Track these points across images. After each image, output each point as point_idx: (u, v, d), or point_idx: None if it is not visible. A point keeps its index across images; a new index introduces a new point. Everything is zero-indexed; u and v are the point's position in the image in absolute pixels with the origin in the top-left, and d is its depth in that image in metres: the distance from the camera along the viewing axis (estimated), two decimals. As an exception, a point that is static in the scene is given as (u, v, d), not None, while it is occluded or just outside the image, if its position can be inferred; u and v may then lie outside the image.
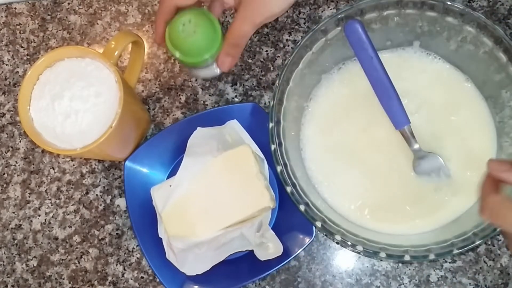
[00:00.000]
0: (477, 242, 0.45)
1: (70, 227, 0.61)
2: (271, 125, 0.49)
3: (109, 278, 0.59)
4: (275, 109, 0.50)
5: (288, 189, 0.48)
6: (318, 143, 0.54)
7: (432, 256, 0.45)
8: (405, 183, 0.52)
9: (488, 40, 0.49)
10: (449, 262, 0.55)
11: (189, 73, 0.63)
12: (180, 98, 0.63)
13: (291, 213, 0.56)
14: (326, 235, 0.46)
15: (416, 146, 0.51)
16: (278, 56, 0.62)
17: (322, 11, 0.62)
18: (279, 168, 0.48)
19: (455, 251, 0.45)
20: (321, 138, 0.55)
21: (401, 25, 0.52)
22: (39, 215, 0.62)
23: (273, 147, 0.49)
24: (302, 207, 0.47)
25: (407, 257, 0.45)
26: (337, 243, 0.46)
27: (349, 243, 0.46)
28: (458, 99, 0.54)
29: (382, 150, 0.53)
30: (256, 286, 0.57)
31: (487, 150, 0.52)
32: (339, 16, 0.51)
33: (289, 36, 0.62)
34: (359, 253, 0.48)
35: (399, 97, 0.50)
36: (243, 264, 0.56)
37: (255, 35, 0.63)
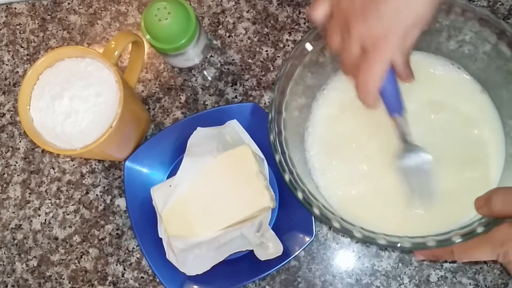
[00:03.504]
0: (479, 231, 0.44)
1: (70, 227, 0.61)
2: (270, 116, 0.49)
3: (109, 278, 0.59)
4: (276, 102, 0.50)
5: (286, 176, 0.47)
6: (324, 131, 0.54)
7: (431, 243, 0.43)
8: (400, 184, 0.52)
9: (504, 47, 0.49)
10: (449, 262, 0.55)
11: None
12: (180, 98, 0.63)
13: (291, 213, 0.56)
14: (323, 221, 0.46)
15: (408, 138, 0.48)
16: (278, 56, 0.62)
17: (322, 11, 0.62)
18: (277, 157, 0.48)
19: (456, 237, 0.44)
20: (327, 127, 0.54)
21: None
22: (39, 215, 0.62)
23: (271, 136, 0.48)
24: (300, 194, 0.47)
25: (406, 244, 0.44)
26: (335, 231, 0.45)
27: (347, 229, 0.45)
28: (474, 113, 0.53)
29: (384, 149, 0.53)
30: (256, 286, 0.57)
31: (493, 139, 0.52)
32: None
33: (289, 36, 0.62)
34: (358, 240, 0.46)
35: (397, 83, 0.47)
36: (243, 264, 0.56)
37: (255, 35, 0.63)
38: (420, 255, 0.44)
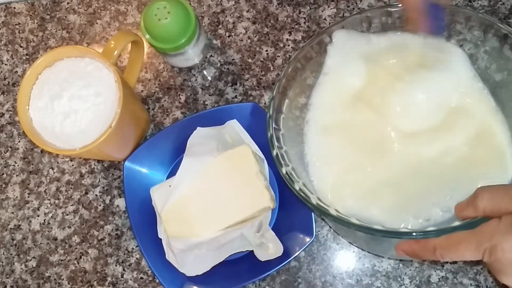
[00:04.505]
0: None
1: (69, 227, 0.61)
2: (269, 114, 0.49)
3: (109, 279, 0.59)
4: (276, 101, 0.50)
5: (283, 169, 0.47)
6: (324, 126, 0.54)
7: (431, 228, 0.42)
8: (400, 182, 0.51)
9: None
10: (450, 263, 0.55)
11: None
12: (180, 98, 0.63)
13: (291, 213, 0.56)
14: (320, 211, 0.46)
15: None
16: (278, 56, 0.62)
17: (322, 11, 0.62)
18: (274, 152, 0.48)
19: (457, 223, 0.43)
20: (328, 122, 0.54)
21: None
22: (38, 216, 0.62)
23: (269, 133, 0.49)
24: (297, 186, 0.46)
25: (404, 229, 0.43)
26: (333, 218, 0.45)
27: (344, 216, 0.45)
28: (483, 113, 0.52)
29: (381, 141, 0.53)
30: (256, 286, 0.57)
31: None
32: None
33: (289, 36, 0.62)
34: (355, 226, 0.46)
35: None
36: (243, 264, 0.56)
37: (255, 35, 0.63)
38: (401, 251, 0.43)
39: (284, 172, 0.47)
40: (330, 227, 0.57)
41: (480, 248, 0.37)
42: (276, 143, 0.49)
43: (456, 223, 0.41)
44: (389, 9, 0.50)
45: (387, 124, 0.52)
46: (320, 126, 0.54)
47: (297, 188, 0.46)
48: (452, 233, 0.39)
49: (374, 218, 0.50)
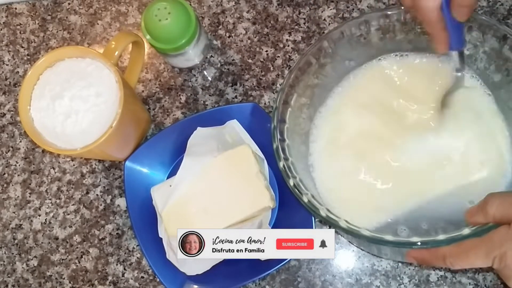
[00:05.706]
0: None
1: (70, 227, 0.61)
2: (273, 124, 0.49)
3: (110, 278, 0.60)
4: (280, 111, 0.50)
5: (291, 181, 0.47)
6: (328, 130, 0.54)
7: (442, 237, 0.42)
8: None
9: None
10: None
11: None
12: (180, 98, 0.63)
13: (291, 213, 0.56)
14: (328, 223, 0.46)
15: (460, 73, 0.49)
16: (278, 56, 0.62)
17: (322, 11, 0.63)
18: (281, 164, 0.48)
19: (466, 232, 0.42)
20: (332, 126, 0.54)
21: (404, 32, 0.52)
22: (39, 215, 0.62)
23: (274, 144, 0.48)
24: (305, 198, 0.47)
25: (415, 239, 0.43)
26: (343, 230, 0.45)
27: (355, 228, 0.45)
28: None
29: (387, 147, 0.53)
30: (256, 286, 0.57)
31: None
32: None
33: (289, 36, 0.62)
34: (366, 238, 0.46)
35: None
36: (243, 264, 0.56)
37: (255, 36, 0.63)
38: (411, 258, 0.43)
39: (291, 184, 0.47)
40: (330, 226, 0.57)
41: (490, 255, 0.37)
42: (282, 155, 0.48)
43: (466, 231, 0.41)
44: (388, 12, 0.50)
45: (392, 151, 0.52)
46: (327, 141, 0.54)
47: (306, 200, 0.46)
48: (462, 241, 0.39)
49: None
